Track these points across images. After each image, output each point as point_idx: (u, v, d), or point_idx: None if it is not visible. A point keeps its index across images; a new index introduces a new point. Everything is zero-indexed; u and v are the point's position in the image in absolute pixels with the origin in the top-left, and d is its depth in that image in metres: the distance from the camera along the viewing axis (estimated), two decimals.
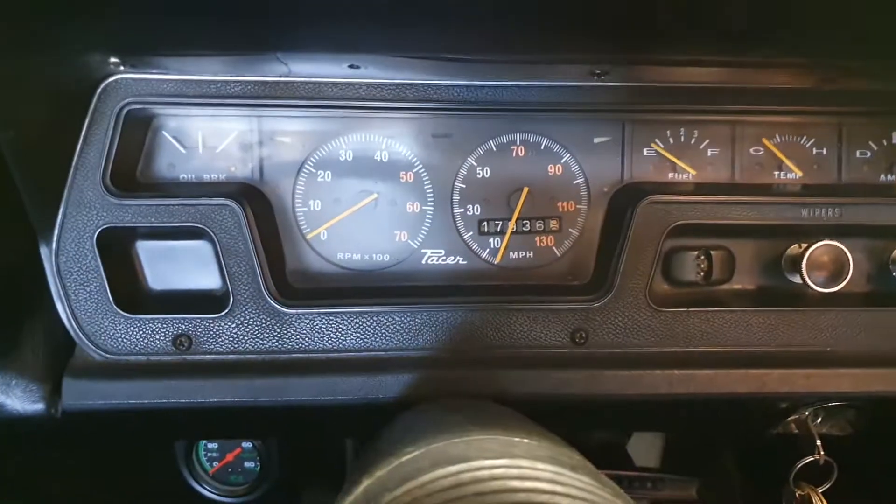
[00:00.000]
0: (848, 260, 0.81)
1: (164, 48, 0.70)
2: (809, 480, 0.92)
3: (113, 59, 0.71)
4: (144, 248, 0.85)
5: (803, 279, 0.81)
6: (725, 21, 0.61)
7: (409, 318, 0.82)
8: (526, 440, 0.49)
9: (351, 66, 0.74)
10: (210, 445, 1.16)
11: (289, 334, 0.81)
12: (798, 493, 0.90)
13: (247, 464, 1.16)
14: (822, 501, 0.89)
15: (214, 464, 1.16)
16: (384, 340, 0.82)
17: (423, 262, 0.90)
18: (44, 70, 0.68)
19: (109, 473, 1.00)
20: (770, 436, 0.94)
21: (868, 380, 0.82)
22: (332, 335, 0.82)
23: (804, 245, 0.84)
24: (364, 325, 0.82)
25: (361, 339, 0.82)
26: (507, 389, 0.80)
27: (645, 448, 1.30)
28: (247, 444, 1.16)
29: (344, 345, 0.82)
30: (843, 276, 0.81)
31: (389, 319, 0.82)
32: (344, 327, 0.82)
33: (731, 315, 0.83)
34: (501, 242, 0.90)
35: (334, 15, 0.54)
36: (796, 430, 0.92)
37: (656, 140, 0.89)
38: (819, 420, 0.93)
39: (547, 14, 0.56)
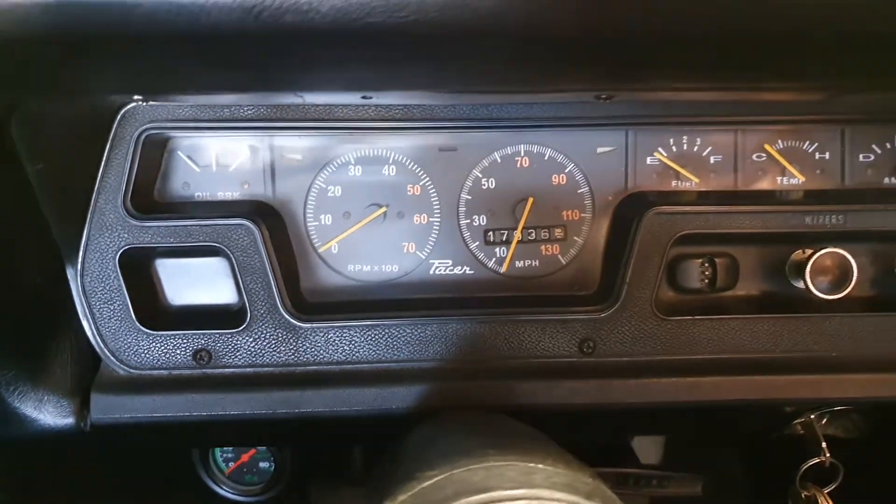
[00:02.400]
0: (851, 266, 0.81)
1: (186, 90, 0.72)
2: (816, 481, 0.94)
3: (136, 97, 0.74)
4: (164, 265, 0.88)
5: (807, 286, 0.82)
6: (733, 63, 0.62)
7: (419, 330, 0.84)
8: (542, 465, 0.51)
9: (364, 97, 0.76)
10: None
11: (304, 347, 0.84)
12: (804, 493, 0.92)
13: (261, 464, 1.20)
14: (828, 502, 0.90)
15: (230, 464, 1.20)
16: (396, 352, 0.84)
17: (431, 272, 0.92)
18: (68, 106, 0.71)
19: (128, 475, 1.04)
20: (776, 437, 0.95)
21: (873, 385, 0.83)
22: (345, 348, 0.84)
23: (808, 251, 0.85)
24: (376, 337, 0.84)
25: (374, 351, 0.84)
26: (518, 400, 0.82)
27: (647, 444, 1.32)
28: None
29: (357, 357, 0.84)
30: (847, 282, 0.82)
31: (400, 332, 0.84)
32: (357, 340, 0.84)
33: (736, 322, 0.85)
34: (507, 251, 0.92)
35: (353, 67, 0.56)
36: (802, 432, 0.93)
37: (659, 149, 0.90)
38: (824, 421, 0.94)
39: (551, 59, 0.57)
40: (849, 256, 0.82)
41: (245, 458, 1.21)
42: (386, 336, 0.84)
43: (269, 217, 0.87)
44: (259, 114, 0.84)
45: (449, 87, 0.70)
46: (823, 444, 0.88)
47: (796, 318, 0.85)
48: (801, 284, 0.86)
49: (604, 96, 0.76)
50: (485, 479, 0.48)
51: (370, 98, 0.76)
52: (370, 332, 0.84)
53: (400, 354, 0.84)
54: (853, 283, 0.82)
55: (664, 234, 0.83)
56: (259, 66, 0.57)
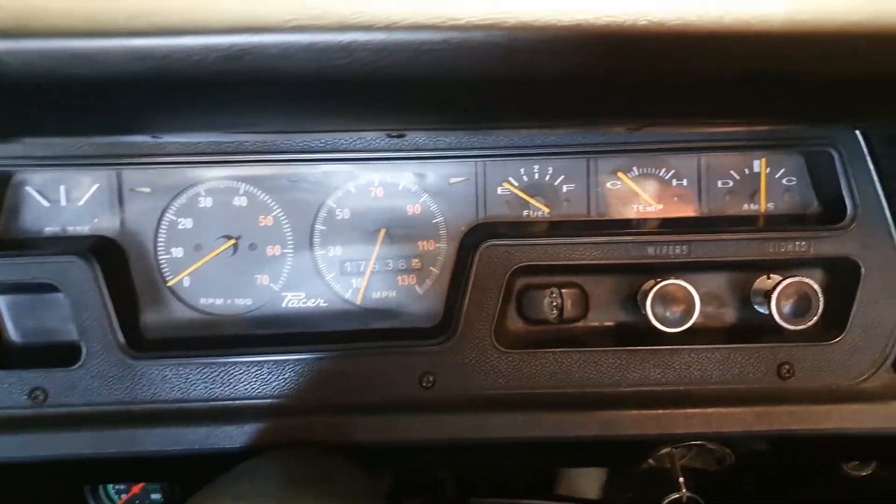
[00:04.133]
0: (693, 298, 0.79)
1: (23, 135, 0.72)
2: None
3: None
4: (6, 301, 0.88)
5: (649, 319, 0.80)
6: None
7: (255, 368, 0.83)
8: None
9: (154, 137, 0.76)
10: None
11: (140, 385, 0.83)
12: None
13: (153, 496, 1.18)
14: None
15: (122, 496, 1.19)
16: (231, 390, 0.83)
17: (284, 305, 0.91)
18: None
19: None
20: (645, 471, 0.93)
21: (720, 420, 0.80)
22: (181, 385, 0.83)
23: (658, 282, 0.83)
24: (212, 374, 0.83)
25: (209, 388, 0.83)
26: (352, 436, 0.80)
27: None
28: None
29: (193, 395, 0.83)
30: (690, 314, 0.80)
31: (236, 369, 0.83)
32: (192, 377, 0.83)
33: (580, 355, 0.82)
34: (362, 282, 0.91)
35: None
36: (669, 465, 0.91)
37: (510, 179, 0.89)
38: (692, 453, 0.92)
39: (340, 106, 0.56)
40: (690, 288, 0.79)
41: (136, 489, 1.20)
42: (221, 374, 0.83)
43: (110, 252, 0.86)
44: (96, 150, 0.83)
45: (226, 131, 0.69)
46: (681, 479, 0.86)
47: (644, 351, 0.82)
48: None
49: (395, 134, 0.75)
50: None
51: (159, 138, 0.76)
52: (205, 370, 0.83)
53: (235, 392, 0.83)
54: (696, 315, 0.80)
55: (500, 266, 0.81)
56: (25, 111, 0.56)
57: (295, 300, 0.91)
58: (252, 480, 0.63)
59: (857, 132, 0.80)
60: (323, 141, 0.83)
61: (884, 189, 0.80)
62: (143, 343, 0.85)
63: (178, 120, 0.58)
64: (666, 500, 0.87)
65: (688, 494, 0.86)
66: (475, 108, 0.51)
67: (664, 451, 0.89)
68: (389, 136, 0.76)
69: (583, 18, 0.44)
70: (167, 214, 0.90)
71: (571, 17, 0.44)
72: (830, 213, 0.83)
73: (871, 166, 0.80)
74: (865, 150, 0.80)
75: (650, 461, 0.90)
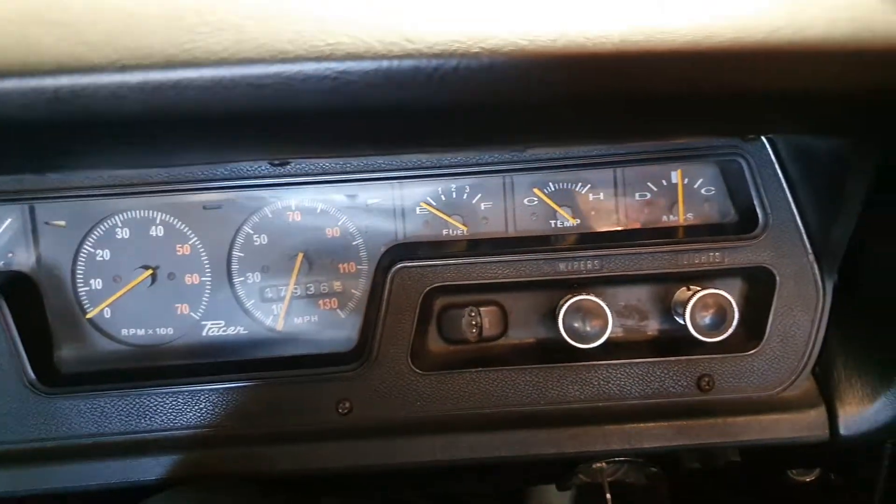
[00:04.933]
0: (606, 313, 0.78)
1: None
2: None
3: None
4: None
5: (562, 336, 0.79)
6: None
7: (171, 399, 0.82)
8: None
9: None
10: None
11: (54, 421, 0.82)
12: None
13: None
14: None
15: None
16: (147, 422, 0.82)
17: (205, 333, 0.90)
18: None
19: None
20: (578, 486, 0.92)
21: (639, 436, 0.79)
22: (95, 419, 0.82)
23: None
24: (127, 407, 0.82)
25: (124, 421, 0.82)
26: (268, 466, 0.79)
27: None
28: None
29: (108, 428, 0.82)
30: (604, 329, 0.79)
31: (151, 401, 0.82)
32: (108, 410, 0.82)
33: (497, 374, 0.82)
34: (282, 308, 0.90)
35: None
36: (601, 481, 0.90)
37: (428, 198, 0.88)
38: (624, 469, 0.91)
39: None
40: (601, 302, 0.78)
41: None
42: (137, 405, 0.82)
43: (22, 288, 0.85)
44: (6, 185, 0.83)
45: (102, 168, 0.68)
46: (608, 496, 0.85)
47: (560, 367, 0.81)
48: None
49: (276, 162, 0.74)
50: None
51: (43, 174, 0.75)
52: (120, 402, 0.82)
53: (151, 424, 0.82)
54: (609, 329, 0.79)
55: (414, 288, 0.81)
56: None
57: (215, 328, 0.90)
58: None
59: (765, 140, 0.80)
60: (228, 168, 0.82)
61: (793, 196, 0.79)
62: (57, 378, 0.84)
63: (50, 160, 0.57)
64: None
65: None
66: (323, 139, 0.51)
67: (595, 466, 0.89)
68: (272, 164, 0.76)
69: (414, 49, 0.44)
70: (84, 246, 0.89)
71: (402, 48, 0.44)
72: (745, 223, 0.83)
73: (780, 174, 0.80)
74: (773, 158, 0.80)
75: (581, 477, 0.89)
